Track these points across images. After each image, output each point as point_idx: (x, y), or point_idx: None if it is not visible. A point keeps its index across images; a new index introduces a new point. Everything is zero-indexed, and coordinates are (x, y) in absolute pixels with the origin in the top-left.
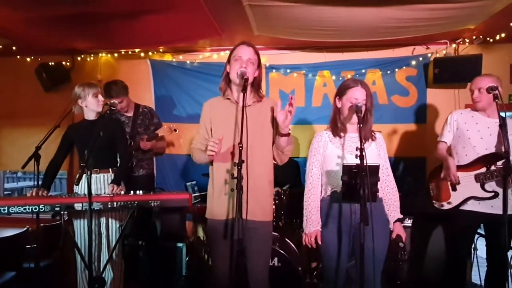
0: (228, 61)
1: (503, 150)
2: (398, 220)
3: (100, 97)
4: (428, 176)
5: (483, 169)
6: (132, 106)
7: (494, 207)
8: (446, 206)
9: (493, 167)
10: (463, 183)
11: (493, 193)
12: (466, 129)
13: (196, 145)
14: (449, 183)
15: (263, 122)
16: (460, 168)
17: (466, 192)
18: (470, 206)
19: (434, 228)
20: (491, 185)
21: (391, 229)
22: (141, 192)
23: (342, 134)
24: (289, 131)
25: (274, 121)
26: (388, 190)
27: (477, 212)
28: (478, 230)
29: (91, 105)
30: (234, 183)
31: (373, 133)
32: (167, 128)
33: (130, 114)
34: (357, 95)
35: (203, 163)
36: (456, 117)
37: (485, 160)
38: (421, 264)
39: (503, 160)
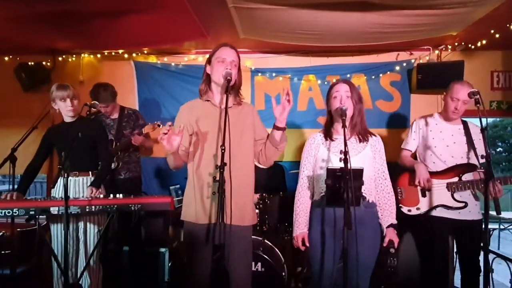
0: (209, 62)
1: (472, 158)
2: (392, 225)
3: (68, 102)
4: (398, 180)
5: (455, 179)
6: (118, 109)
7: (461, 214)
8: (414, 212)
9: (465, 178)
10: (434, 190)
11: (463, 203)
12: (431, 137)
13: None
14: (418, 188)
15: (243, 125)
16: (432, 175)
17: (435, 200)
18: (439, 212)
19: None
20: (461, 195)
21: (384, 234)
22: (121, 195)
23: (333, 137)
24: (285, 126)
25: (254, 126)
26: (383, 194)
27: (447, 218)
28: None
29: (61, 109)
30: (216, 186)
31: (369, 135)
32: (150, 126)
33: (115, 116)
34: (338, 88)
35: (175, 166)
36: (421, 125)
37: (458, 169)
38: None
39: (482, 165)
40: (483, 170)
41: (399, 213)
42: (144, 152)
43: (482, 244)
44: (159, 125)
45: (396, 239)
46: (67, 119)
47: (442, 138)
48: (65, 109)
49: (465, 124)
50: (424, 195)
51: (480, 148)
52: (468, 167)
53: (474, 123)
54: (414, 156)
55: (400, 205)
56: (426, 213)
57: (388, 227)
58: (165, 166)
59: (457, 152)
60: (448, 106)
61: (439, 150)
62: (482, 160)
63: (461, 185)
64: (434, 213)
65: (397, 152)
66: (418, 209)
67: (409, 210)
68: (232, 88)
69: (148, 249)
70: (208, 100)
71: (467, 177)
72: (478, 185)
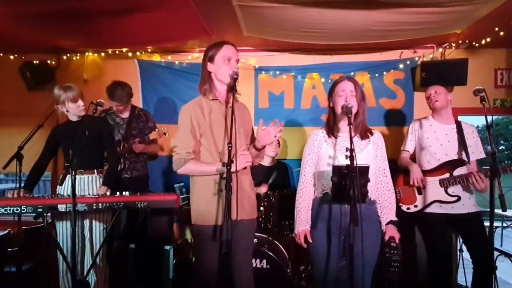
0: (211, 60)
1: (463, 155)
2: (392, 222)
3: (80, 102)
4: (397, 180)
5: (447, 175)
6: (129, 108)
7: (454, 208)
8: (413, 209)
9: (456, 173)
10: (428, 187)
11: (456, 197)
12: (426, 137)
13: (189, 155)
14: (415, 187)
15: (242, 121)
16: (425, 173)
17: (430, 196)
18: (433, 208)
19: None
20: (454, 190)
21: (384, 231)
22: (127, 193)
23: (336, 134)
24: (263, 147)
25: (250, 126)
26: (383, 191)
27: (440, 214)
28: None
29: (72, 110)
30: (222, 183)
31: (370, 133)
32: (157, 132)
33: (126, 115)
34: (344, 86)
35: (201, 175)
36: (416, 127)
37: (448, 166)
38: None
39: (488, 162)
40: (488, 167)
41: (400, 212)
42: (149, 156)
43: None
44: (165, 134)
45: (397, 235)
46: (73, 118)
47: (437, 137)
48: (77, 109)
49: (458, 124)
50: (420, 193)
51: (473, 146)
52: (458, 163)
53: (468, 123)
54: (414, 157)
55: (400, 204)
56: (423, 209)
57: (388, 223)
58: (169, 164)
59: (451, 150)
60: (428, 104)
61: (433, 149)
62: (475, 157)
63: (453, 180)
64: (430, 209)
65: (400, 150)
66: (415, 206)
67: (408, 208)
68: None
69: (153, 247)
70: (215, 99)
71: (458, 172)
72: (468, 178)
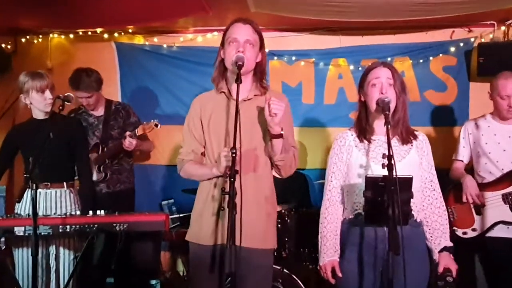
0: (222, 44)
1: None
2: (446, 249)
3: (48, 94)
4: (448, 198)
5: (511, 188)
6: (103, 103)
7: None
8: (470, 234)
9: None
10: (489, 205)
11: None
12: (484, 142)
13: (188, 156)
14: (471, 205)
15: (265, 121)
16: (484, 187)
17: (493, 216)
18: (497, 232)
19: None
20: None
21: (436, 261)
22: (102, 212)
23: (369, 137)
24: (280, 132)
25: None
26: (432, 209)
27: (508, 239)
28: None
29: (36, 103)
30: (225, 199)
31: (412, 135)
32: (146, 125)
33: (100, 113)
34: (378, 73)
35: (201, 179)
36: (470, 129)
37: None
38: None
39: None
40: None
41: (454, 237)
42: (139, 157)
43: None
44: (156, 125)
45: (454, 265)
46: (39, 115)
47: (498, 141)
48: (43, 103)
49: None
50: (478, 213)
51: None
52: None
53: None
54: (470, 168)
55: (453, 227)
56: (483, 233)
57: (441, 251)
58: (156, 175)
59: None
60: (500, 106)
61: (494, 156)
62: None
63: None
64: (493, 233)
65: (451, 157)
66: (474, 230)
67: (464, 233)
68: (254, 73)
69: (136, 281)
70: (223, 92)
71: None
72: None
